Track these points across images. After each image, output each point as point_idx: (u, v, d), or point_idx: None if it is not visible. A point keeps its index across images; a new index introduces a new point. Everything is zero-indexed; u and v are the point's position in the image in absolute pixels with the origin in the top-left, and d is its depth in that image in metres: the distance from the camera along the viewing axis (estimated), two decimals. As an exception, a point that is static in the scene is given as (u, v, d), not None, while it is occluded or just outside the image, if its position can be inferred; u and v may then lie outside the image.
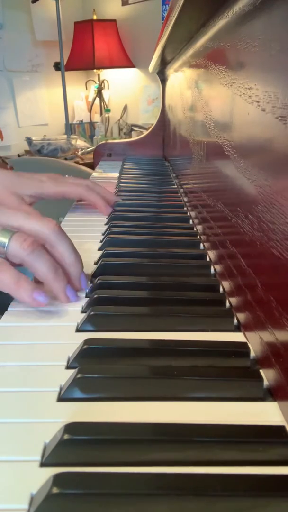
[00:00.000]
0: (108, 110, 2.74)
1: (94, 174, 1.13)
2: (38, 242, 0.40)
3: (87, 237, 0.61)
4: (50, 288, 0.41)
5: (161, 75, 1.29)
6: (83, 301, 0.42)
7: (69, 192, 0.65)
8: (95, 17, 2.61)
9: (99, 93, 2.76)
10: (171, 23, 0.61)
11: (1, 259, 0.39)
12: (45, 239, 0.41)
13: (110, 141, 1.52)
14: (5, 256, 0.39)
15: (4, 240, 0.39)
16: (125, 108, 2.76)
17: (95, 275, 0.48)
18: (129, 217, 0.68)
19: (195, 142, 0.68)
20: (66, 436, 0.24)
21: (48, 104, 2.82)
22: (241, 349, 0.34)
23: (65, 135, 2.50)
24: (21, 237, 0.39)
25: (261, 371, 0.31)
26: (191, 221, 0.67)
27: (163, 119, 1.29)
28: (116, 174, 1.08)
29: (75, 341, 0.35)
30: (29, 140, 2.35)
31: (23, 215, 0.42)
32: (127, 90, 2.74)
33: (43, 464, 0.24)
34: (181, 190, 0.85)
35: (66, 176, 0.69)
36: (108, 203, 0.70)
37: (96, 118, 2.83)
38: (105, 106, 2.78)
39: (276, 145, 0.29)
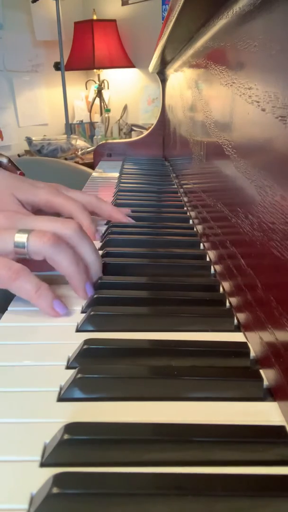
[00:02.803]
0: (108, 110, 2.74)
1: (94, 174, 1.13)
2: (57, 235, 0.40)
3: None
4: (71, 282, 0.41)
5: (161, 75, 1.29)
6: (83, 301, 0.42)
7: (61, 206, 0.56)
8: (95, 17, 2.61)
9: (99, 93, 2.76)
10: (171, 23, 0.61)
11: (22, 266, 0.38)
12: (67, 240, 0.41)
13: (110, 141, 1.52)
14: (28, 256, 0.39)
15: (23, 239, 0.39)
16: (125, 108, 2.76)
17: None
18: (129, 217, 0.68)
19: (195, 142, 0.68)
20: (66, 436, 0.24)
21: (48, 104, 2.82)
22: (241, 349, 0.34)
23: (65, 135, 2.50)
24: (39, 233, 0.39)
25: (261, 371, 0.31)
26: (191, 221, 0.67)
27: (163, 119, 1.29)
28: (116, 174, 1.08)
29: (75, 341, 0.35)
30: (29, 140, 2.35)
31: (41, 219, 0.42)
32: (127, 90, 2.75)
33: (43, 464, 0.24)
34: (181, 190, 0.85)
35: (71, 189, 0.62)
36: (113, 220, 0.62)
37: (96, 118, 2.83)
38: (105, 106, 2.78)
39: (276, 145, 0.29)
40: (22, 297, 0.39)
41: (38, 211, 0.55)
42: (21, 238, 0.39)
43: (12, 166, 0.65)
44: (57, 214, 0.57)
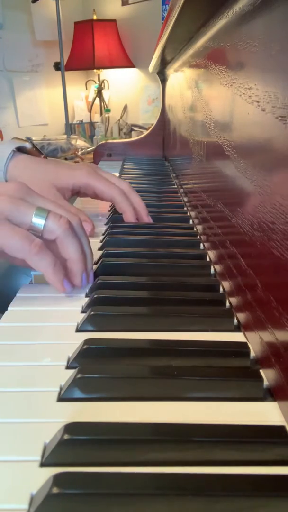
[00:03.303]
0: (108, 110, 2.74)
1: (94, 174, 1.13)
2: (70, 222, 0.42)
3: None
4: (72, 267, 0.43)
5: (161, 75, 1.29)
6: (83, 301, 0.42)
7: (101, 191, 0.59)
8: (95, 17, 2.61)
9: (99, 93, 2.76)
10: (171, 23, 0.61)
11: (41, 241, 0.40)
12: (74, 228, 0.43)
13: (110, 141, 1.52)
14: (40, 234, 0.41)
15: (42, 219, 0.40)
16: (125, 108, 2.76)
17: (95, 275, 0.48)
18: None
19: (195, 142, 0.68)
20: (66, 436, 0.24)
21: (48, 104, 2.82)
22: (241, 349, 0.34)
23: (65, 135, 2.50)
24: (57, 215, 0.41)
25: (261, 371, 0.31)
26: (191, 221, 0.67)
27: (163, 119, 1.29)
28: (116, 174, 1.08)
29: (75, 341, 0.35)
30: (29, 140, 2.35)
31: (52, 203, 0.43)
32: (127, 90, 2.74)
33: (43, 464, 0.24)
34: (181, 190, 0.85)
35: (104, 171, 0.63)
36: (138, 219, 0.63)
37: (96, 118, 2.83)
38: (105, 106, 2.78)
39: (276, 145, 0.29)
40: (39, 270, 0.40)
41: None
42: (40, 215, 0.40)
43: (36, 151, 0.65)
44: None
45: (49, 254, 0.40)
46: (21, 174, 0.57)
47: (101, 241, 0.59)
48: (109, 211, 0.73)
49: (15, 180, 0.44)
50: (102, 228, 0.65)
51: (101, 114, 2.78)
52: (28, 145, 0.62)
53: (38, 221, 0.40)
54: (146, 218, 0.64)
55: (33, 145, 0.64)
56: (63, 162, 0.59)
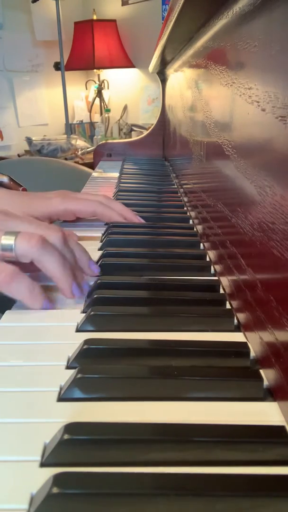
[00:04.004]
0: (108, 110, 2.74)
1: (94, 174, 1.13)
2: (44, 238, 0.40)
3: (87, 237, 0.61)
4: (57, 284, 0.41)
5: (161, 75, 1.29)
6: (83, 301, 0.42)
7: (80, 210, 0.59)
8: (95, 17, 2.61)
9: (99, 93, 2.76)
10: (171, 23, 0.61)
11: (14, 268, 0.38)
12: (53, 243, 0.41)
13: (110, 141, 1.52)
14: (15, 259, 0.39)
15: (10, 242, 0.39)
16: (125, 108, 2.76)
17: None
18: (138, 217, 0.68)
19: (195, 142, 0.68)
20: (66, 436, 0.24)
21: (48, 104, 2.82)
22: (241, 349, 0.34)
23: (65, 135, 2.50)
24: (26, 235, 0.39)
25: (261, 371, 0.31)
26: (191, 221, 0.67)
27: (163, 119, 1.29)
28: (116, 174, 1.08)
29: (75, 341, 0.35)
30: (29, 140, 2.35)
31: (27, 222, 0.42)
32: (127, 90, 2.75)
33: (43, 464, 0.24)
34: (181, 190, 0.85)
35: (77, 192, 0.63)
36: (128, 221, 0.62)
37: (96, 118, 2.83)
38: (105, 106, 2.78)
39: (276, 145, 0.29)
40: (17, 298, 0.39)
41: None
42: (8, 240, 0.39)
43: (14, 184, 0.65)
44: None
45: (23, 281, 0.38)
46: None
47: (101, 241, 0.59)
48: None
49: None
50: (102, 228, 0.65)
51: (101, 114, 2.78)
52: (5, 179, 0.62)
53: (8, 247, 0.39)
54: (136, 219, 0.63)
55: (11, 179, 0.64)
56: (37, 194, 0.59)
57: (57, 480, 0.21)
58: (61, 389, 0.30)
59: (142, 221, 0.64)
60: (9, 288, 0.38)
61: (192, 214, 0.68)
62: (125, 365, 0.32)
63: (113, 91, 2.83)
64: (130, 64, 2.62)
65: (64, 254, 0.42)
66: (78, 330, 0.37)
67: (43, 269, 0.40)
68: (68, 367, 0.32)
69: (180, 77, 0.89)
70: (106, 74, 2.80)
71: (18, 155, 2.47)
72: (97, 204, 0.59)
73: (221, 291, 0.45)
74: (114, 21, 2.59)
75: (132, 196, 0.82)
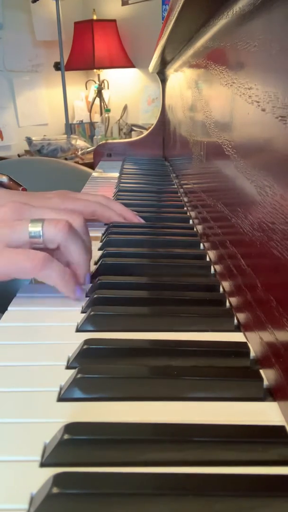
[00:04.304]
0: (108, 110, 2.74)
1: (94, 174, 1.13)
2: (70, 223, 0.41)
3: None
4: (79, 270, 0.42)
5: (161, 75, 1.29)
6: (83, 301, 0.42)
7: (80, 211, 0.55)
8: (95, 17, 2.61)
9: (99, 93, 2.76)
10: (171, 23, 0.61)
11: (45, 254, 0.39)
12: (76, 228, 0.43)
13: (110, 141, 1.52)
14: (43, 245, 0.40)
15: (38, 228, 0.40)
16: (125, 108, 2.76)
17: (95, 275, 0.48)
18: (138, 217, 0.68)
19: (195, 142, 0.68)
20: (66, 436, 0.24)
21: (48, 104, 2.82)
22: (241, 349, 0.34)
23: (65, 135, 2.50)
24: (52, 221, 0.40)
25: (261, 371, 0.31)
26: (191, 221, 0.67)
27: (163, 119, 1.29)
28: (116, 174, 1.08)
29: (75, 341, 0.35)
30: (29, 140, 2.35)
31: (50, 210, 0.43)
32: (127, 90, 2.74)
33: (43, 464, 0.24)
34: (181, 190, 0.85)
35: (76, 192, 0.61)
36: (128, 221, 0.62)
37: (96, 118, 2.83)
38: (105, 106, 2.78)
39: (276, 145, 0.29)
40: (50, 284, 0.40)
41: None
42: (35, 227, 0.40)
43: (14, 184, 0.65)
44: None
45: (55, 266, 0.39)
46: None
47: (101, 241, 0.59)
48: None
49: (5, 202, 0.43)
50: (102, 228, 0.65)
51: (101, 114, 2.78)
52: (5, 179, 0.62)
53: (36, 234, 0.40)
54: (136, 219, 0.63)
55: (10, 179, 0.64)
56: (36, 193, 0.57)
57: (57, 480, 0.21)
58: (61, 389, 0.30)
59: (142, 221, 0.63)
60: (41, 274, 0.39)
61: (192, 214, 0.68)
62: (125, 365, 0.32)
63: (113, 91, 2.83)
64: (130, 64, 2.62)
65: (84, 239, 0.43)
66: (78, 330, 0.37)
67: (68, 254, 0.41)
68: (68, 367, 0.32)
69: (180, 77, 0.89)
70: (106, 74, 2.80)
71: (18, 155, 2.47)
72: (96, 205, 0.59)
73: (221, 291, 0.45)
74: (114, 21, 2.59)
75: (132, 196, 0.82)
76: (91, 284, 0.45)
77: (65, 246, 0.41)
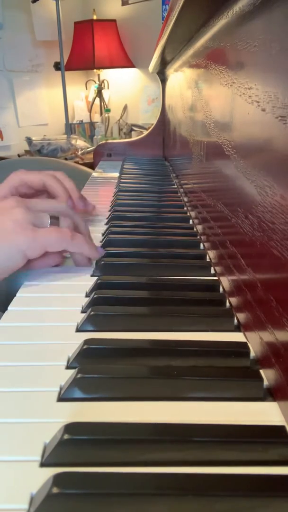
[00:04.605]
0: (108, 110, 2.74)
1: (94, 174, 1.13)
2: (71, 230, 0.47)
3: (87, 237, 0.61)
4: (87, 240, 0.49)
5: (161, 75, 1.29)
6: (83, 301, 0.42)
7: (31, 180, 0.59)
8: (95, 17, 2.61)
9: (99, 93, 2.76)
10: (171, 23, 0.61)
11: (71, 230, 0.46)
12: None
13: (110, 141, 1.52)
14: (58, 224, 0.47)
15: (55, 213, 0.47)
16: (125, 108, 2.76)
17: (95, 275, 0.48)
18: (129, 217, 0.68)
19: (195, 142, 0.68)
20: (66, 436, 0.24)
21: (48, 104, 2.82)
22: (241, 349, 0.34)
23: (65, 135, 2.50)
24: (62, 202, 0.51)
25: (261, 371, 0.31)
26: (191, 221, 0.67)
27: (163, 119, 1.29)
28: (116, 174, 1.08)
29: (75, 341, 0.35)
30: (29, 140, 2.35)
31: (45, 201, 0.52)
32: (127, 90, 2.74)
33: (43, 464, 0.24)
34: (181, 190, 0.85)
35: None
36: (73, 203, 0.61)
37: (96, 118, 2.83)
38: (105, 106, 2.78)
39: (276, 145, 0.29)
40: (79, 251, 0.48)
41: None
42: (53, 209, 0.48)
43: None
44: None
45: (79, 235, 0.47)
46: None
47: (101, 241, 0.59)
48: (108, 211, 0.73)
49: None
50: (102, 228, 0.65)
51: (101, 114, 2.78)
52: None
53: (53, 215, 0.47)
54: (80, 203, 0.63)
55: None
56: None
57: (57, 480, 0.21)
58: (61, 389, 0.30)
59: (89, 207, 0.66)
60: (71, 245, 0.46)
61: (192, 214, 0.68)
62: (125, 365, 0.32)
63: (113, 91, 2.83)
64: (130, 64, 2.62)
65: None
66: (78, 330, 0.37)
67: (79, 225, 0.50)
68: (68, 367, 0.32)
69: (180, 77, 0.89)
70: (106, 74, 2.80)
71: (18, 155, 2.47)
72: (49, 177, 0.59)
73: (221, 291, 0.45)
74: (114, 21, 2.59)
75: (132, 196, 0.82)
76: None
77: (75, 221, 0.50)
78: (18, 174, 0.59)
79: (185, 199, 0.78)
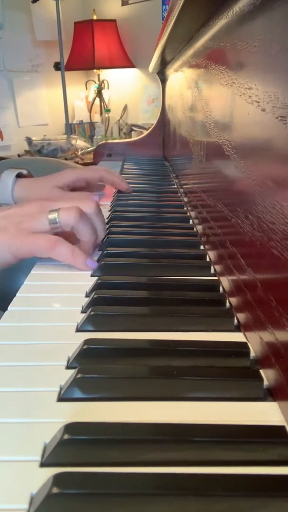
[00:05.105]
0: (108, 110, 2.74)
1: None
2: (80, 209, 0.50)
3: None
4: (83, 247, 0.51)
5: (161, 75, 1.29)
6: (83, 301, 0.42)
7: (90, 176, 0.75)
8: (95, 17, 2.61)
9: (99, 93, 2.76)
10: (171, 23, 0.61)
11: (57, 237, 0.47)
12: (87, 213, 0.51)
13: (110, 141, 1.52)
14: (60, 229, 0.49)
15: (55, 216, 0.49)
16: (125, 108, 2.76)
17: (95, 275, 0.48)
18: (129, 217, 0.68)
19: (195, 142, 0.68)
20: (66, 436, 0.24)
21: (48, 104, 2.82)
22: (241, 349, 0.34)
23: (65, 135, 2.50)
24: (66, 210, 0.49)
25: (261, 371, 0.31)
26: (191, 221, 0.67)
27: (163, 119, 1.29)
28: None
29: (75, 341, 0.35)
30: (29, 140, 2.35)
31: (65, 200, 0.52)
32: (127, 90, 2.74)
33: (43, 464, 0.24)
34: (181, 190, 0.85)
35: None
36: (119, 187, 0.81)
37: (96, 118, 2.83)
38: (105, 106, 2.78)
39: (276, 145, 0.29)
40: (61, 260, 0.48)
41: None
42: (53, 215, 0.49)
43: (30, 174, 0.78)
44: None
45: (65, 245, 0.47)
46: (28, 191, 0.70)
47: (101, 241, 0.59)
48: (108, 211, 0.73)
49: (28, 200, 0.54)
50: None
51: (101, 114, 2.78)
52: (24, 171, 0.75)
53: (53, 221, 0.48)
54: (125, 185, 0.82)
55: (28, 171, 0.77)
56: (52, 174, 0.74)
57: (57, 480, 0.21)
58: (61, 389, 0.30)
59: (130, 189, 0.83)
60: (53, 252, 0.47)
61: (192, 214, 0.68)
62: (125, 365, 0.32)
63: (113, 91, 2.83)
64: (130, 64, 2.62)
65: (96, 221, 0.52)
66: (78, 330, 0.37)
67: (78, 234, 0.50)
68: (68, 367, 0.32)
69: (180, 77, 0.89)
70: (106, 74, 2.80)
71: (18, 155, 2.47)
72: (103, 172, 0.78)
73: (221, 291, 0.45)
74: (114, 21, 2.59)
75: (132, 196, 0.82)
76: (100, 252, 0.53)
77: (76, 227, 0.49)
78: (73, 172, 0.73)
79: (185, 199, 0.78)
